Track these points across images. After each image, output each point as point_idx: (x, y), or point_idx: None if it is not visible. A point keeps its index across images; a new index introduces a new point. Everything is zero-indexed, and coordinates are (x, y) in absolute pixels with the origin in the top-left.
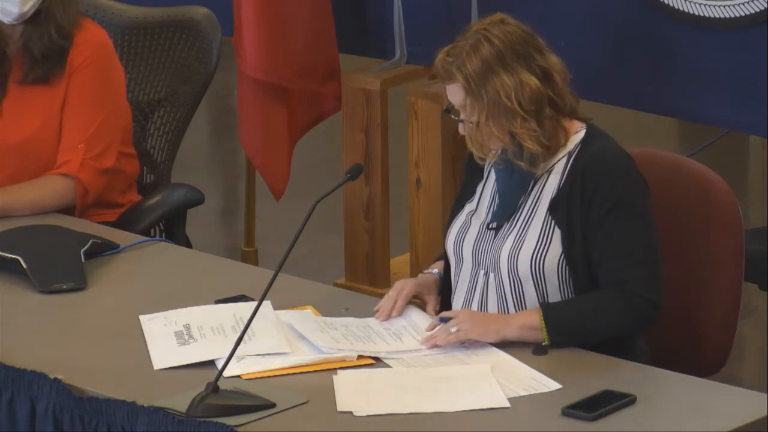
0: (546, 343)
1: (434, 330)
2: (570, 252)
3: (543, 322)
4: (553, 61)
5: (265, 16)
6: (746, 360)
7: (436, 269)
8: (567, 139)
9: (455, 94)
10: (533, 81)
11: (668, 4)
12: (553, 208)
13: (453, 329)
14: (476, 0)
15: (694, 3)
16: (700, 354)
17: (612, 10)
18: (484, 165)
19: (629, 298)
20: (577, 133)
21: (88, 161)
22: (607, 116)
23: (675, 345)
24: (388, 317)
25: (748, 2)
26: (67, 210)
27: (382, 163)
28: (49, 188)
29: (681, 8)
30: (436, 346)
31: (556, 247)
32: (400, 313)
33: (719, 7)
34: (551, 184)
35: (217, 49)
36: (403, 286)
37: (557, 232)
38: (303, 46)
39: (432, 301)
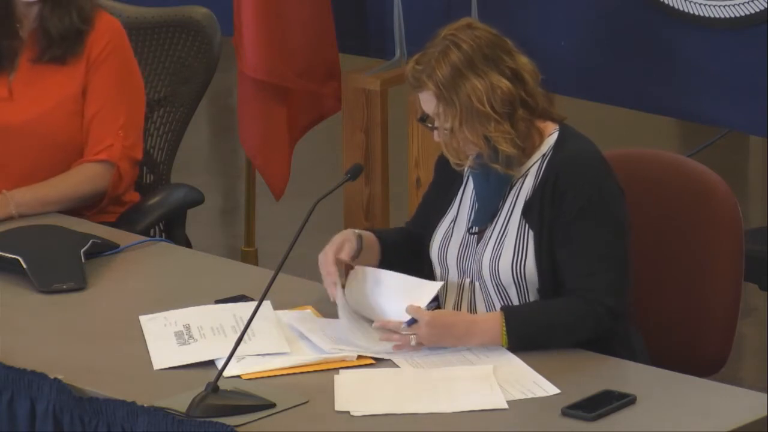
0: (504, 347)
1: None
2: (541, 254)
3: (504, 328)
4: (523, 61)
5: (265, 16)
6: (746, 360)
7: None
8: (541, 140)
9: (427, 102)
10: (504, 83)
11: (668, 4)
12: (527, 211)
13: (413, 342)
14: (476, 0)
15: (694, 3)
16: (700, 354)
17: (612, 10)
18: (462, 170)
19: (590, 305)
20: (551, 136)
21: (126, 149)
22: (606, 116)
23: (675, 345)
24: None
25: (748, 2)
26: (91, 202)
27: (382, 163)
28: (84, 176)
29: (681, 8)
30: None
31: (533, 252)
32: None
33: (719, 7)
34: (526, 188)
35: (217, 49)
36: (325, 261)
37: (531, 235)
38: (303, 46)
39: (347, 249)
